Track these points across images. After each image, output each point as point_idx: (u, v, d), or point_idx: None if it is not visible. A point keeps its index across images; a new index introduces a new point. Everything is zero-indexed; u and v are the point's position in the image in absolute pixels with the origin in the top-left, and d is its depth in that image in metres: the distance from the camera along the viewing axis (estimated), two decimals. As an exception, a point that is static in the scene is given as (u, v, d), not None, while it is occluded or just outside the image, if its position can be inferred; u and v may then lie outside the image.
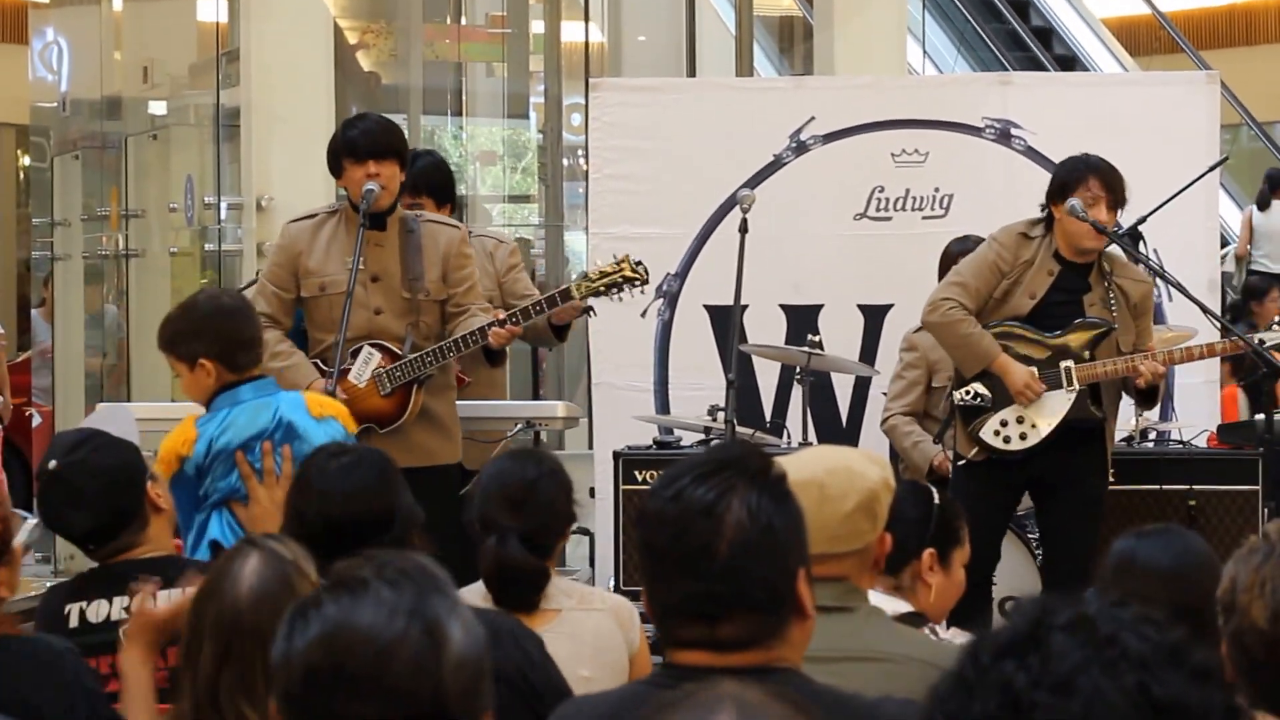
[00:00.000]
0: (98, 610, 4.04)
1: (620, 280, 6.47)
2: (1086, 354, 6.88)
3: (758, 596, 2.66)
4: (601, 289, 6.48)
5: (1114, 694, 1.67)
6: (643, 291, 6.77)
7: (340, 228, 6.54)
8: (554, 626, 4.33)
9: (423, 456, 6.39)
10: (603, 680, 4.24)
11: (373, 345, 6.47)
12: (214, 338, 5.32)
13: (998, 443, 6.89)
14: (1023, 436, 6.88)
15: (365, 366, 6.47)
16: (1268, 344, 7.12)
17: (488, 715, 2.16)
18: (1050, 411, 6.87)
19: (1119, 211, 6.95)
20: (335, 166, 6.56)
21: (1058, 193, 6.87)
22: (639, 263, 6.57)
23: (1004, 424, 6.90)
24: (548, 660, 3.97)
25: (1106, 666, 1.68)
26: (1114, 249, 7.08)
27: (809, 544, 2.76)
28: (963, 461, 6.94)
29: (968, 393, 6.93)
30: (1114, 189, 6.85)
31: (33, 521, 3.82)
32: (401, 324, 6.47)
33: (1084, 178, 6.83)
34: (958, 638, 3.96)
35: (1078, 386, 6.86)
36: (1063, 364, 6.86)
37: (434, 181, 7.28)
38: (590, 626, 4.41)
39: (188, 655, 3.02)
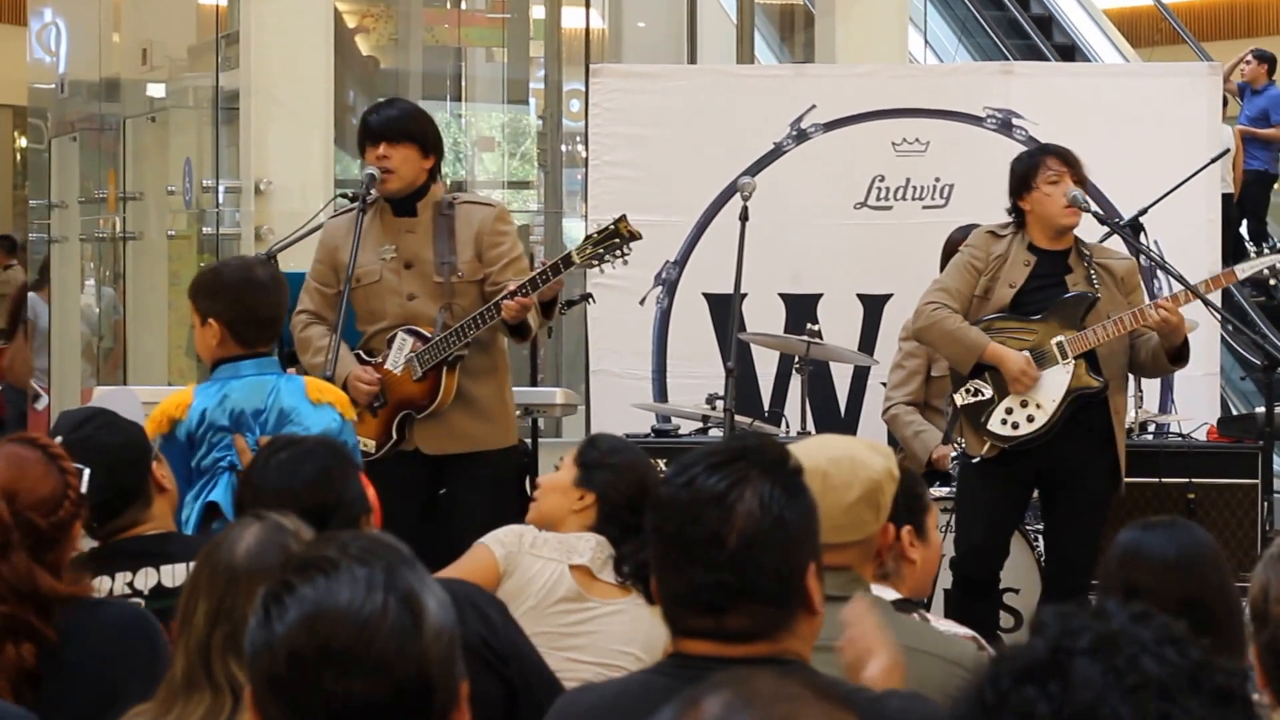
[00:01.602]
0: (99, 586, 4.00)
1: (618, 241, 6.39)
2: (1077, 326, 6.86)
3: (766, 588, 2.65)
4: (602, 251, 6.40)
5: None
6: (624, 256, 6.63)
7: (376, 219, 6.53)
8: (624, 604, 4.44)
9: (465, 442, 6.39)
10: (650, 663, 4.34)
11: (406, 331, 6.47)
12: (229, 304, 5.29)
13: (1006, 430, 6.86)
14: (1030, 419, 6.84)
15: (399, 353, 6.47)
16: (1244, 274, 7.13)
17: (464, 683, 2.19)
18: (1051, 389, 6.84)
19: (1084, 186, 6.91)
20: (361, 153, 6.58)
21: (1021, 186, 6.87)
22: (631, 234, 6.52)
23: (1009, 411, 6.87)
24: (510, 624, 3.95)
25: (1128, 694, 1.66)
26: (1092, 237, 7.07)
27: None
28: (976, 459, 6.91)
29: (968, 390, 6.92)
30: (1073, 164, 6.88)
31: (88, 472, 3.78)
32: (436, 308, 6.45)
33: (1040, 161, 6.86)
34: (951, 626, 3.95)
35: (1072, 358, 6.83)
36: (1053, 340, 6.84)
37: None
38: (647, 615, 4.44)
39: (184, 616, 3.02)
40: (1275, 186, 15.10)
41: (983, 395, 6.90)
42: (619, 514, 4.56)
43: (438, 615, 2.16)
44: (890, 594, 3.85)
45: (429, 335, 6.43)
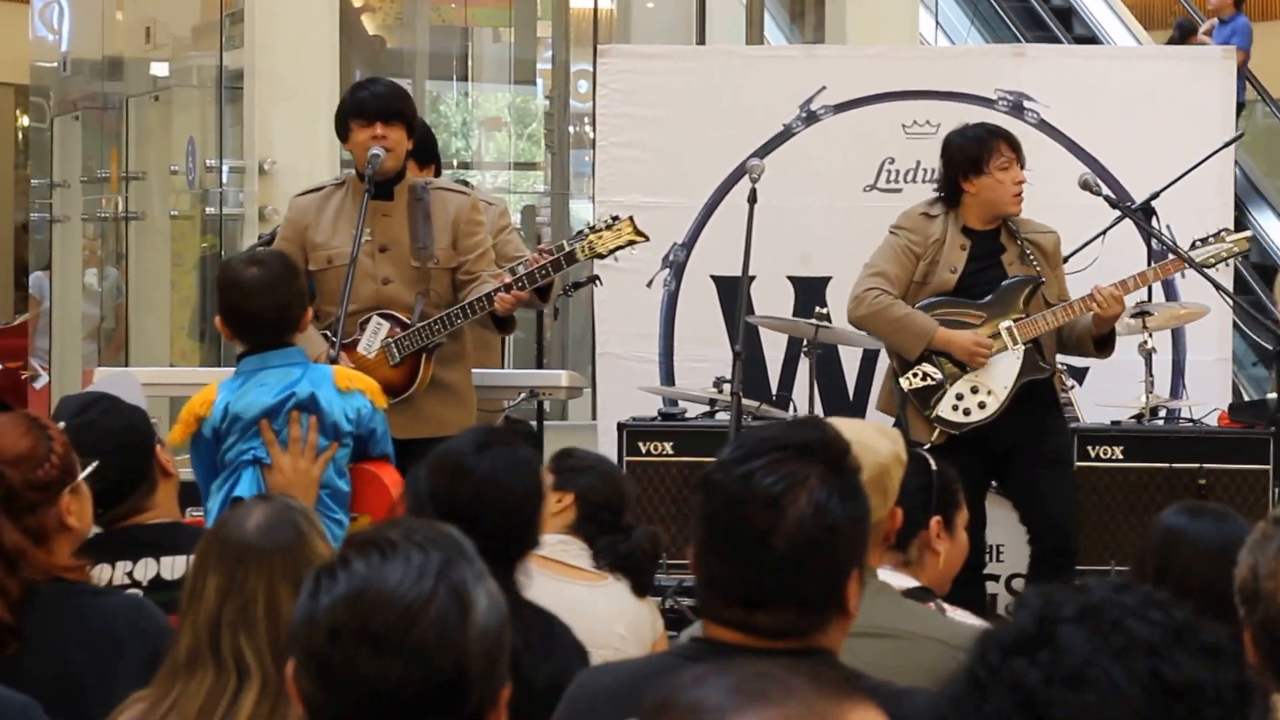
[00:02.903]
0: (99, 575, 3.96)
1: (624, 244, 6.40)
2: (1022, 312, 6.82)
3: (806, 594, 2.63)
4: (604, 253, 6.41)
5: (1127, 682, 1.67)
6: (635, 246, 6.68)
7: (347, 199, 6.47)
8: (603, 586, 4.47)
9: (435, 426, 6.29)
10: (633, 641, 4.37)
11: (381, 315, 6.41)
12: (220, 303, 5.34)
13: (958, 417, 6.81)
14: (982, 405, 6.81)
15: (374, 337, 6.41)
16: (1198, 260, 7.05)
17: (506, 689, 2.17)
18: (1002, 375, 6.81)
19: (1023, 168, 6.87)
20: (342, 130, 6.48)
21: (970, 166, 6.79)
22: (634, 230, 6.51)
23: (960, 397, 6.83)
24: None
25: (1116, 655, 1.68)
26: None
27: None
28: (926, 447, 6.85)
29: (915, 375, 6.86)
30: (1018, 148, 6.83)
31: (94, 464, 3.73)
32: (411, 293, 6.39)
33: (994, 146, 6.79)
34: (966, 617, 3.89)
35: (1022, 344, 6.79)
36: (1001, 325, 6.80)
37: (416, 143, 7.19)
38: (631, 608, 4.51)
39: (191, 594, 3.01)
40: (1242, 114, 15.02)
41: (931, 380, 6.84)
42: (598, 514, 4.65)
43: (486, 613, 2.14)
44: (908, 581, 3.84)
45: (407, 321, 6.37)
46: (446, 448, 3.86)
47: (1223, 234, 7.12)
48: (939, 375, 6.84)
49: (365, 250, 6.36)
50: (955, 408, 6.82)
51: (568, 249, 6.37)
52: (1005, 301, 6.81)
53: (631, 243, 6.44)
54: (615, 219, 6.45)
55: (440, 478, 3.77)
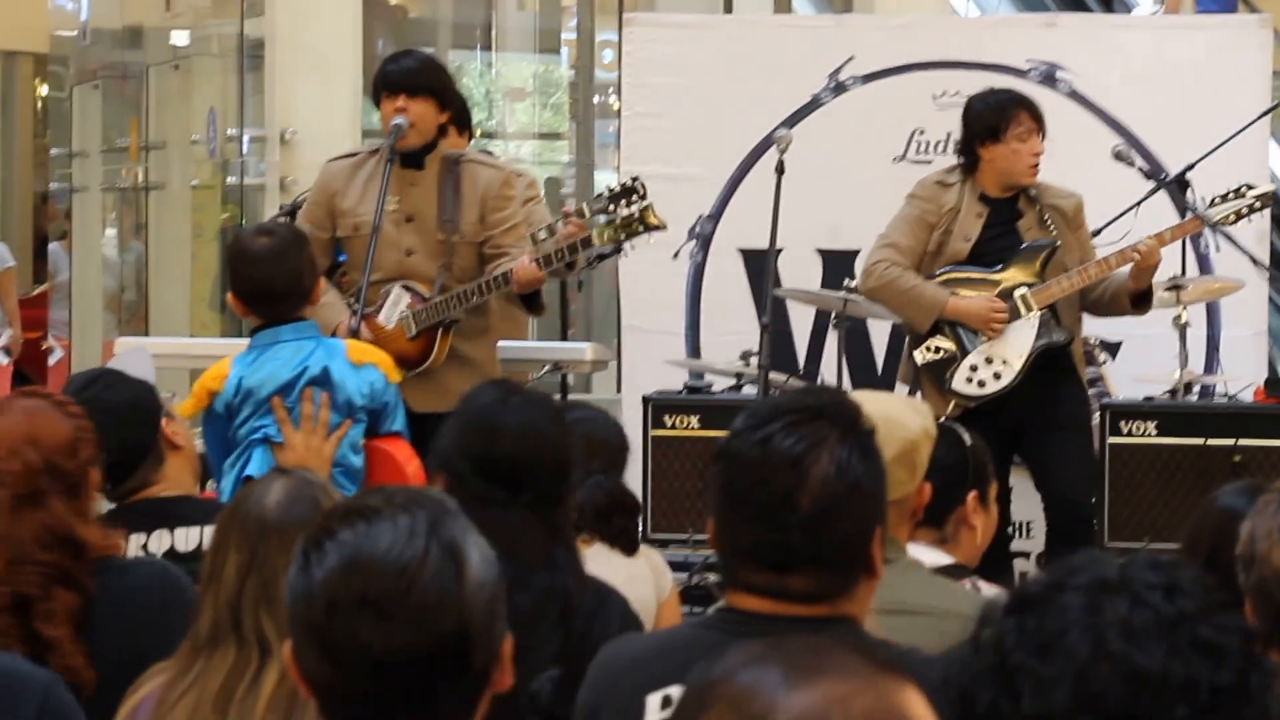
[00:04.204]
0: None
1: (641, 230, 6.39)
2: (1037, 278, 6.76)
3: (833, 553, 2.64)
4: (623, 236, 6.40)
5: (1091, 660, 1.67)
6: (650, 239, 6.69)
7: (379, 168, 6.46)
8: (590, 553, 4.32)
9: (453, 400, 6.20)
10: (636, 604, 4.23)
11: (403, 287, 6.40)
12: (231, 275, 5.36)
13: (973, 389, 6.77)
14: (997, 376, 6.78)
15: (394, 308, 6.41)
16: (1214, 219, 7.01)
17: (507, 640, 2.16)
18: (1018, 345, 6.76)
19: (1044, 139, 6.79)
20: (375, 101, 6.55)
21: (988, 133, 6.74)
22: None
23: (974, 368, 6.80)
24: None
25: (1091, 631, 1.68)
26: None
27: None
28: (941, 420, 6.77)
29: (929, 349, 6.81)
30: (1040, 118, 6.77)
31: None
32: (434, 266, 6.38)
33: (1014, 114, 6.74)
34: (1002, 595, 3.81)
35: (1037, 311, 6.73)
36: (1016, 293, 6.77)
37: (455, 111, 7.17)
38: (623, 562, 4.43)
39: (211, 572, 3.01)
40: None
41: (945, 352, 6.79)
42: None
43: (480, 568, 2.12)
44: (943, 558, 3.81)
45: (426, 294, 6.35)
46: (471, 407, 3.80)
47: (1243, 189, 7.05)
48: (952, 347, 6.79)
49: (391, 220, 6.36)
50: (970, 379, 6.79)
51: (588, 214, 6.35)
52: (1021, 267, 6.76)
53: (649, 230, 6.40)
54: (635, 180, 6.40)
55: (474, 438, 3.70)
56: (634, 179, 6.47)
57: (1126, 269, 6.82)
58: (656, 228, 6.40)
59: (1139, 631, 1.67)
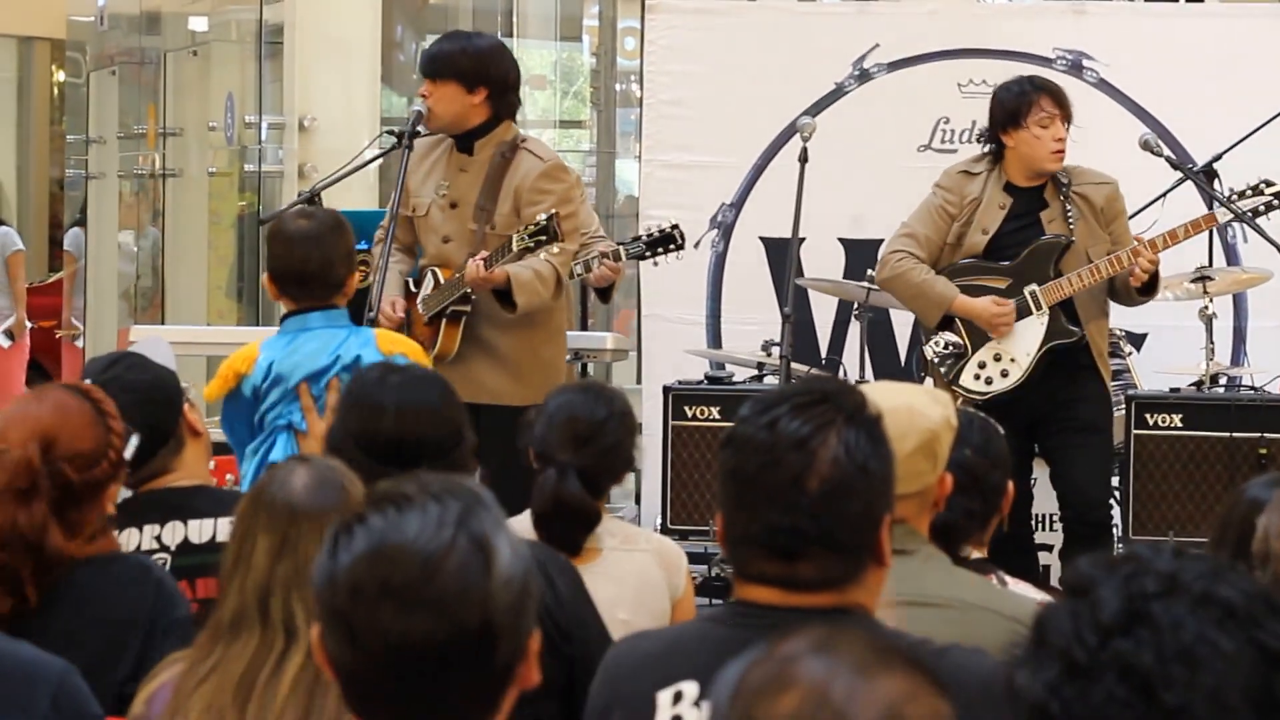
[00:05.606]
0: (128, 539, 3.96)
1: (666, 249, 6.57)
2: (1050, 273, 6.70)
3: (842, 537, 2.61)
4: (647, 252, 6.55)
5: (1234, 653, 1.67)
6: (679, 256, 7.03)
7: (443, 153, 6.44)
8: (595, 566, 4.23)
9: (483, 393, 6.14)
10: (641, 624, 4.14)
11: (431, 271, 6.39)
12: (269, 255, 5.32)
13: (979, 386, 6.73)
14: (1004, 374, 6.73)
15: (424, 291, 6.41)
16: (1229, 218, 6.99)
17: (534, 636, 2.16)
18: (1026, 342, 6.72)
19: (1069, 126, 6.72)
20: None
21: (1009, 121, 6.66)
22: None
23: (982, 365, 6.76)
24: (579, 597, 3.87)
25: (1219, 627, 1.68)
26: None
27: None
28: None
29: (938, 344, 6.78)
30: (1064, 104, 6.68)
31: (136, 437, 3.74)
32: (463, 255, 6.28)
33: (1035, 99, 6.66)
34: (1027, 589, 3.83)
35: (1046, 308, 6.68)
36: (1026, 290, 6.71)
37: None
38: (632, 568, 4.32)
39: (238, 557, 2.99)
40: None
41: (954, 348, 6.76)
42: None
43: (510, 563, 2.12)
44: (1038, 594, 3.75)
45: (443, 282, 6.34)
46: (353, 388, 3.87)
47: (1262, 185, 6.98)
48: (963, 343, 6.75)
49: (439, 204, 6.36)
50: (977, 376, 6.75)
51: (624, 258, 6.62)
52: (1032, 265, 6.70)
53: (676, 244, 6.63)
54: (675, 229, 6.70)
55: (356, 418, 3.77)
56: (674, 225, 6.65)
57: None
58: (679, 246, 6.60)
59: (1256, 615, 1.69)
